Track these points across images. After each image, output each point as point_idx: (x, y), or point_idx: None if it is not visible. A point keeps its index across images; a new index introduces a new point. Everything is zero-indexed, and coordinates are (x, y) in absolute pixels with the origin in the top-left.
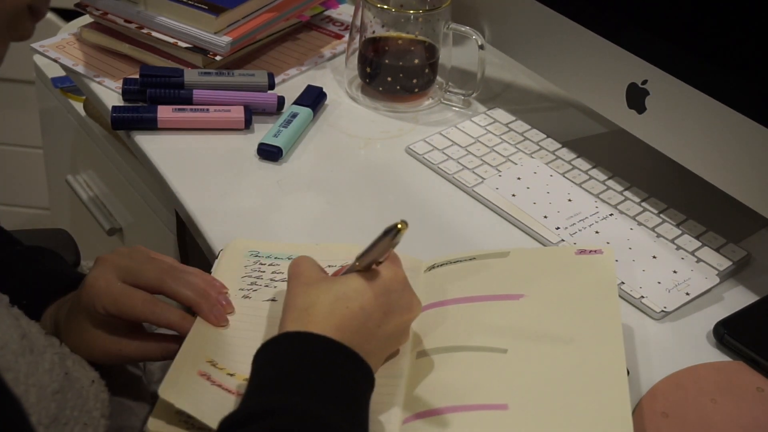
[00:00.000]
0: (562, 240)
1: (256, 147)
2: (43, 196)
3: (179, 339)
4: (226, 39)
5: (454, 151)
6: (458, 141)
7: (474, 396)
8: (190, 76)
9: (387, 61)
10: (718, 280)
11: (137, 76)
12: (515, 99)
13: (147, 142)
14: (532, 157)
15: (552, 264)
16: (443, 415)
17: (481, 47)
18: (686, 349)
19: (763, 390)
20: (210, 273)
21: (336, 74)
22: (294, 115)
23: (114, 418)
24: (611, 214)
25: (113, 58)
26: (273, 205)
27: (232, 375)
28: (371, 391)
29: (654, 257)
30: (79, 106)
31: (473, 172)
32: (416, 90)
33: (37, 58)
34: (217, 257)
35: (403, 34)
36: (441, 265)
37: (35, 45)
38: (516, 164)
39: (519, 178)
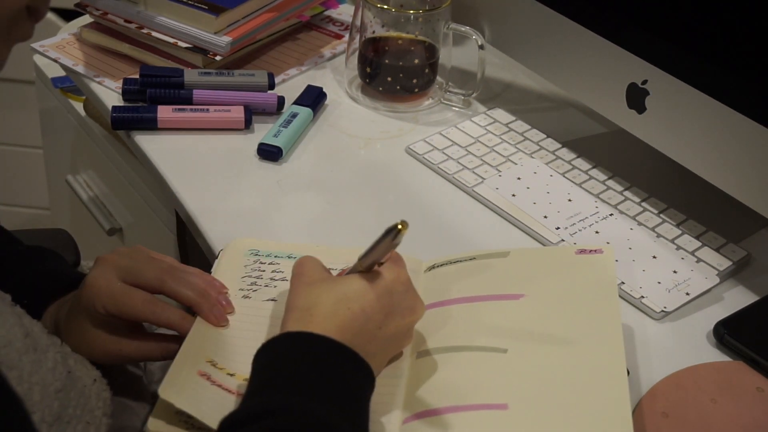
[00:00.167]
0: (562, 240)
1: (256, 147)
2: (43, 196)
3: (179, 339)
4: (226, 39)
5: (454, 151)
6: (458, 141)
7: (474, 396)
8: (190, 76)
9: (387, 61)
10: (718, 280)
11: (137, 76)
12: (515, 99)
13: (147, 142)
14: (532, 157)
15: (552, 264)
16: (443, 415)
17: (481, 47)
18: (686, 349)
19: (763, 390)
20: (210, 273)
21: (336, 74)
22: (294, 115)
23: (115, 417)
24: (611, 214)
25: (113, 58)
26: (273, 205)
27: (232, 375)
28: (371, 391)
29: (654, 257)
30: (79, 106)
31: (473, 172)
32: (416, 90)
33: (37, 58)
34: (217, 257)
35: (403, 34)
36: (441, 265)
37: (35, 45)
38: (516, 164)
39: (519, 178)
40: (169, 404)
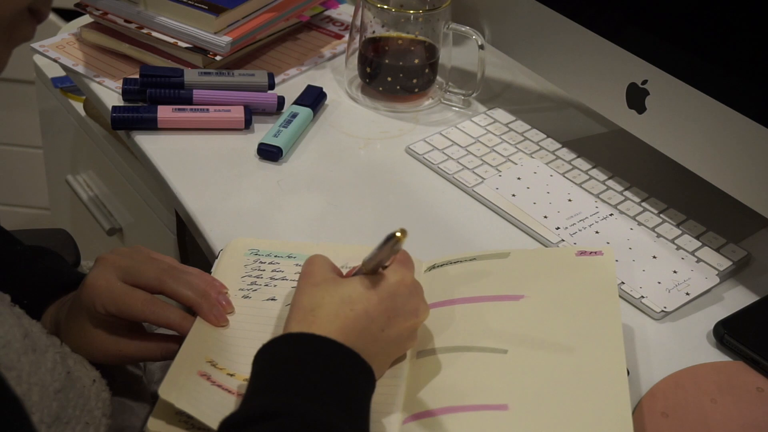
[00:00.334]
0: (562, 240)
1: (256, 147)
2: (43, 196)
3: (179, 339)
4: (226, 39)
5: (454, 151)
6: (458, 141)
7: (474, 396)
8: (190, 76)
9: (387, 61)
10: (718, 280)
11: (137, 76)
12: (515, 99)
13: (147, 142)
14: (532, 157)
15: (552, 265)
16: (443, 416)
17: (481, 47)
18: (686, 349)
19: (763, 390)
20: (210, 273)
21: (336, 74)
22: (294, 115)
23: (115, 417)
24: (611, 214)
25: (113, 58)
26: (273, 205)
27: (232, 375)
28: (372, 392)
29: (654, 257)
30: (79, 106)
31: (473, 172)
32: (416, 90)
33: (37, 58)
34: (217, 257)
35: (403, 34)
36: (441, 265)
37: (35, 45)
38: (516, 164)
39: (519, 178)
40: (169, 404)
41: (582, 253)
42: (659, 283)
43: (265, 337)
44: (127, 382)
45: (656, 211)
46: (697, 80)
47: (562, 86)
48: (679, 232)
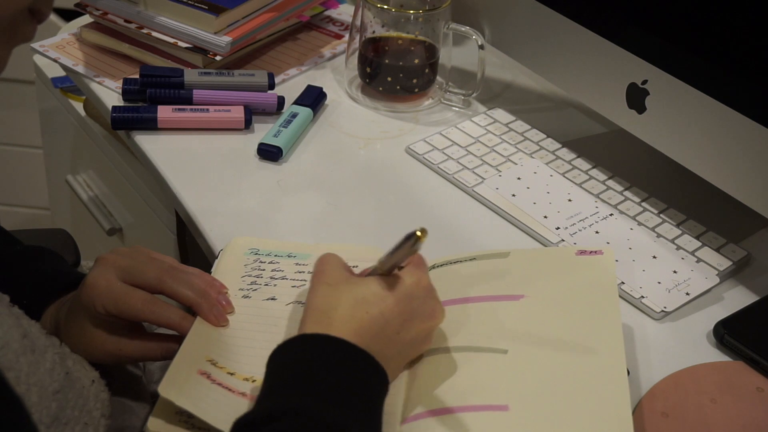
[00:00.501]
0: (562, 240)
1: (256, 147)
2: (43, 196)
3: (179, 339)
4: (226, 39)
5: (454, 151)
6: (458, 141)
7: (475, 396)
8: (190, 76)
9: (387, 61)
10: (718, 280)
11: (137, 76)
12: (515, 99)
13: (147, 142)
14: (532, 157)
15: (552, 265)
16: (443, 416)
17: (481, 47)
18: (686, 349)
19: (763, 390)
20: (210, 273)
21: (336, 74)
22: (294, 115)
23: (114, 418)
24: (611, 214)
25: (113, 58)
26: (273, 205)
27: (232, 374)
28: (385, 395)
29: (654, 257)
30: (79, 106)
31: (473, 172)
32: (416, 90)
33: (37, 58)
34: (217, 257)
35: (403, 34)
36: (441, 265)
37: (35, 45)
38: (516, 164)
39: (519, 178)
40: (169, 404)
41: (582, 252)
42: (659, 283)
43: (265, 336)
44: (127, 382)
45: (656, 211)
46: (697, 80)
47: (562, 86)
48: (679, 232)
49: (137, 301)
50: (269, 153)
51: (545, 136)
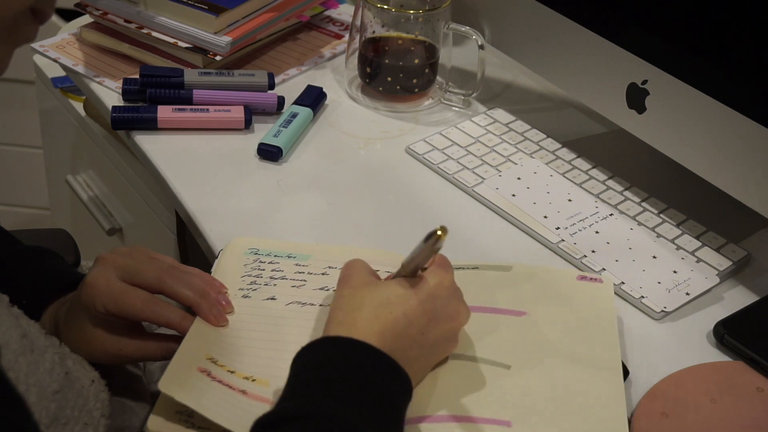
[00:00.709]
0: (562, 240)
1: (256, 147)
2: (43, 196)
3: (179, 339)
4: (226, 39)
5: (454, 151)
6: (458, 141)
7: (479, 408)
8: (190, 76)
9: (387, 61)
10: (718, 280)
11: (137, 76)
12: (515, 99)
13: (147, 142)
14: (532, 157)
15: (553, 285)
16: (447, 423)
17: (481, 47)
18: (686, 349)
19: (763, 390)
20: (210, 273)
21: (336, 74)
22: (294, 115)
23: (114, 417)
24: (611, 214)
25: (113, 58)
26: (273, 205)
27: (232, 372)
28: (408, 400)
29: (654, 257)
30: (79, 106)
31: (473, 172)
32: (416, 90)
33: (37, 58)
34: (217, 257)
35: (403, 34)
36: None
37: (35, 45)
38: (516, 164)
39: (519, 178)
40: (169, 403)
41: (583, 277)
42: (659, 283)
43: (265, 336)
44: (127, 382)
45: (656, 211)
46: (697, 80)
47: (562, 86)
48: (679, 232)
49: (137, 301)
50: (269, 153)
51: (545, 136)
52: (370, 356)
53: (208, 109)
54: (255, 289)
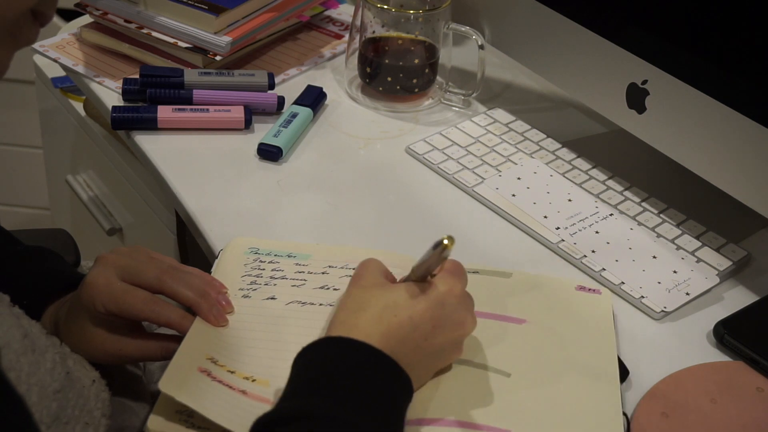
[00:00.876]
0: (562, 240)
1: (256, 147)
2: (43, 196)
3: (179, 339)
4: (226, 39)
5: (454, 151)
6: (458, 141)
7: (480, 415)
8: (190, 76)
9: (387, 61)
10: (718, 280)
11: (137, 76)
12: (515, 99)
13: (147, 142)
14: (532, 157)
15: (552, 294)
16: (449, 428)
17: (481, 47)
18: (686, 349)
19: (763, 390)
20: (210, 273)
21: (336, 74)
22: (294, 115)
23: (114, 417)
24: (611, 214)
25: (113, 58)
26: (273, 205)
27: (232, 372)
28: (408, 402)
29: (654, 257)
30: (79, 106)
31: (473, 172)
32: (416, 90)
33: (37, 58)
34: (217, 257)
35: (403, 34)
36: None
37: (35, 45)
38: (516, 164)
39: (519, 178)
40: (169, 403)
41: (581, 288)
42: (659, 283)
43: (265, 336)
44: (127, 382)
45: (656, 211)
46: (697, 80)
47: (562, 86)
48: (679, 232)
49: (137, 300)
50: (269, 153)
51: (545, 136)
52: (371, 357)
53: (208, 109)
54: (255, 289)
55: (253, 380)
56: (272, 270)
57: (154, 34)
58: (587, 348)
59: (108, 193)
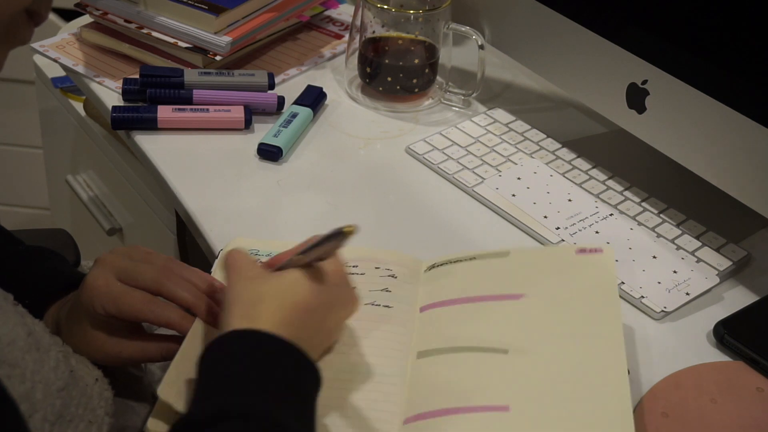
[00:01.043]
0: (562, 240)
1: (256, 147)
2: (43, 196)
3: (179, 339)
4: (226, 39)
5: (454, 151)
6: (458, 141)
7: (475, 397)
8: (190, 76)
9: (387, 61)
10: (718, 280)
11: (137, 76)
12: (515, 99)
13: (147, 142)
14: (532, 157)
15: (552, 263)
16: (444, 417)
17: (481, 47)
18: (686, 349)
19: (763, 390)
20: (210, 273)
21: (336, 74)
22: (294, 115)
23: (116, 417)
24: (611, 214)
25: (113, 58)
26: (273, 205)
27: None
28: (318, 390)
29: (654, 257)
30: (79, 106)
31: (473, 172)
32: (416, 90)
33: (37, 58)
34: (217, 257)
35: (403, 34)
36: (441, 264)
37: (35, 45)
38: (516, 164)
39: (519, 178)
40: (168, 405)
41: (582, 251)
42: (659, 283)
43: None
44: (128, 382)
45: (656, 211)
46: (697, 80)
47: (562, 86)
48: (679, 232)
49: (137, 301)
50: (269, 153)
51: (545, 136)
52: (279, 348)
53: (208, 109)
54: None
55: None
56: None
57: (154, 34)
58: (588, 309)
59: (108, 193)
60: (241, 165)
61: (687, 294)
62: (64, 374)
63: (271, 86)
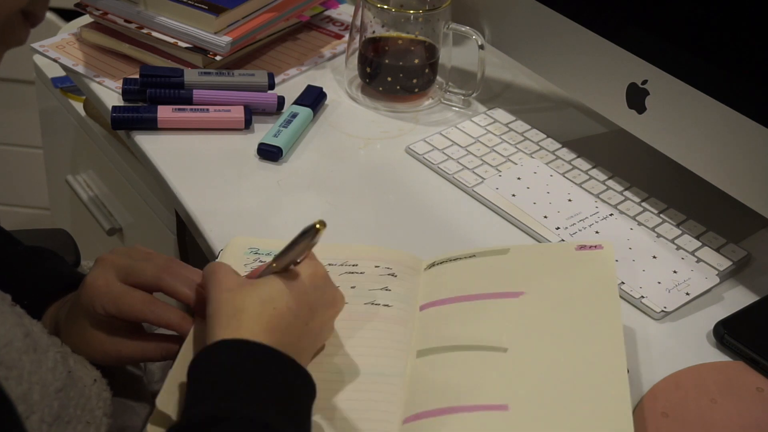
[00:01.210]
0: (562, 240)
1: (256, 147)
2: (43, 196)
3: (179, 339)
4: (226, 39)
5: (454, 151)
6: (458, 141)
7: (474, 396)
8: (190, 76)
9: (387, 61)
10: (718, 280)
11: (137, 76)
12: (515, 99)
13: (147, 142)
14: (532, 157)
15: (552, 260)
16: (444, 416)
17: (481, 47)
18: (686, 349)
19: (763, 390)
20: None
21: (336, 74)
22: (294, 115)
23: (115, 417)
24: (611, 214)
25: (113, 58)
26: (273, 205)
27: None
28: (313, 397)
29: (654, 257)
30: (79, 106)
31: (473, 172)
32: (416, 90)
33: (37, 58)
34: (217, 257)
35: (403, 34)
36: (441, 263)
37: (35, 45)
38: (516, 164)
39: (519, 178)
40: (167, 415)
41: (582, 247)
42: (659, 283)
43: None
44: (128, 382)
45: (656, 211)
46: (697, 80)
47: (562, 86)
48: (679, 232)
49: (137, 301)
50: (269, 153)
51: (545, 136)
52: (267, 355)
53: (208, 109)
54: None
55: None
56: None
57: (154, 34)
58: (589, 311)
59: (108, 193)
60: (241, 165)
61: (687, 294)
62: (62, 375)
63: (271, 86)
